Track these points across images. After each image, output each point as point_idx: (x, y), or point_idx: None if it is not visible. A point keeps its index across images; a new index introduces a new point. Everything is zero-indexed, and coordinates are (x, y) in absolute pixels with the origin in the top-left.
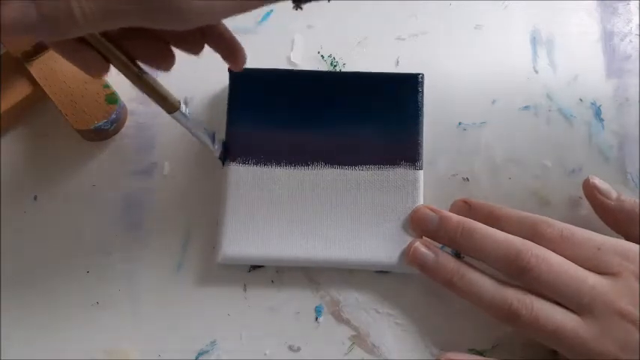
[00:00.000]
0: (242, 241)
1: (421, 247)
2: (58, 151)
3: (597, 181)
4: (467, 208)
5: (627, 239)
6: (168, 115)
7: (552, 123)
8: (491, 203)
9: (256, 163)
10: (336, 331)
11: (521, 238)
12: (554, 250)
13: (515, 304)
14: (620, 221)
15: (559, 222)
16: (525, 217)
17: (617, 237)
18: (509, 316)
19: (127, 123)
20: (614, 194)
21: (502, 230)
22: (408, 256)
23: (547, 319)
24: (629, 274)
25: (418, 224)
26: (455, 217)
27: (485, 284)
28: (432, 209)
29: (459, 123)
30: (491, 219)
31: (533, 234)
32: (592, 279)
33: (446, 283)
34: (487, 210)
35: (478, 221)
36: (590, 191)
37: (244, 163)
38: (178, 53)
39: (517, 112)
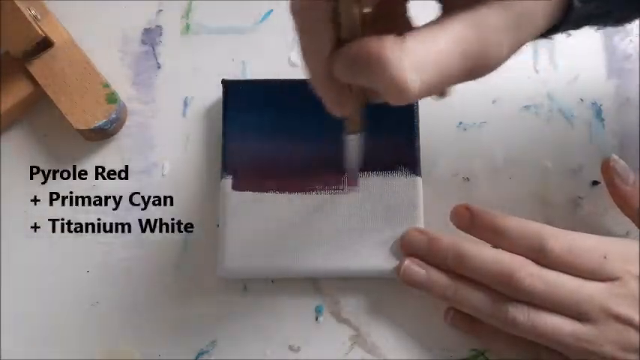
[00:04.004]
0: (242, 254)
1: (411, 265)
2: (58, 151)
3: (617, 165)
4: (468, 215)
5: (637, 224)
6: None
7: (553, 123)
8: (493, 212)
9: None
10: (336, 331)
11: (513, 256)
12: (561, 264)
13: (512, 312)
14: (632, 207)
15: (565, 233)
16: (530, 230)
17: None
18: (507, 324)
19: (127, 123)
20: (631, 179)
21: (505, 244)
22: (399, 274)
23: (545, 325)
24: (629, 278)
25: (408, 248)
26: (444, 240)
27: (479, 296)
28: (421, 232)
29: (459, 123)
30: (493, 231)
31: (540, 249)
32: (590, 288)
33: (440, 297)
34: (488, 220)
35: (478, 230)
36: (608, 172)
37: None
38: (174, 58)
39: (517, 112)
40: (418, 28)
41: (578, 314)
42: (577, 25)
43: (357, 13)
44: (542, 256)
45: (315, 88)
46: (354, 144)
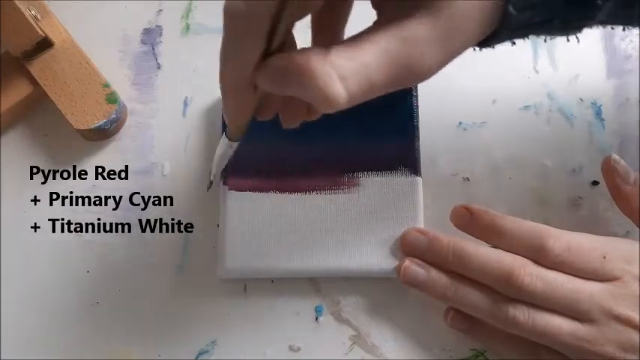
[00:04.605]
0: (242, 254)
1: (411, 265)
2: (58, 151)
3: (618, 166)
4: (468, 216)
5: (638, 224)
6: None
7: (552, 123)
8: (492, 212)
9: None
10: (336, 331)
11: (513, 256)
12: (561, 264)
13: (512, 312)
14: (633, 206)
15: (565, 233)
16: (530, 230)
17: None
18: (507, 324)
19: (127, 123)
20: (632, 178)
21: (505, 244)
22: (399, 274)
23: (545, 325)
24: (630, 278)
25: (408, 248)
26: (444, 240)
27: (479, 296)
28: (421, 231)
29: (459, 123)
30: (493, 231)
31: (540, 248)
32: (590, 288)
33: (440, 297)
34: (488, 220)
35: (478, 230)
36: (609, 172)
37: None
38: (174, 58)
39: (517, 111)
40: (345, 40)
41: (578, 314)
42: (518, 34)
43: (292, 24)
44: (542, 256)
45: (224, 95)
46: (230, 150)
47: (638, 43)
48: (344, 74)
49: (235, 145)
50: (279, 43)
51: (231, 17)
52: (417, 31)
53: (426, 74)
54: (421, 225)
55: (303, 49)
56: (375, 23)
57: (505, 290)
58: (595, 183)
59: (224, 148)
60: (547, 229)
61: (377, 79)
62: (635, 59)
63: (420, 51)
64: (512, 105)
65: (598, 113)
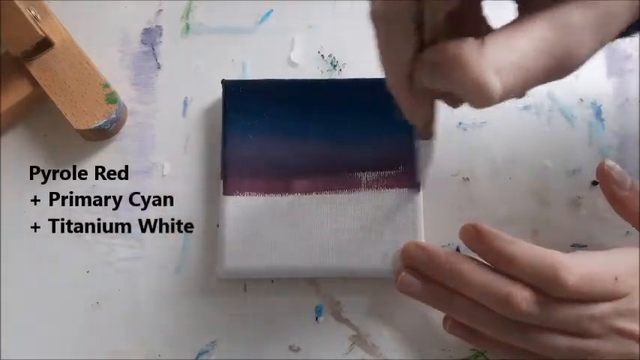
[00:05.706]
0: (242, 254)
1: (408, 276)
2: (58, 151)
3: (613, 171)
4: (475, 236)
5: (638, 228)
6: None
7: (553, 123)
8: (501, 235)
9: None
10: (336, 331)
11: (508, 280)
12: (574, 294)
13: (509, 332)
14: (632, 211)
15: (575, 260)
16: (540, 259)
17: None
18: (505, 338)
19: (127, 123)
20: (628, 183)
21: (513, 272)
22: (395, 284)
23: (543, 343)
24: (636, 294)
25: (406, 261)
26: (443, 257)
27: (476, 312)
28: (419, 246)
29: (459, 123)
30: (503, 258)
31: (552, 281)
32: (594, 310)
33: (436, 308)
34: (495, 245)
35: (484, 253)
36: (604, 178)
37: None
38: (174, 58)
39: (517, 112)
40: (498, 30)
41: (578, 333)
42: None
43: (441, 14)
44: (554, 289)
45: (395, 96)
46: (426, 149)
47: (638, 43)
48: (499, 66)
49: (431, 143)
50: (434, 35)
51: (375, 20)
52: (573, 16)
53: (579, 64)
54: (421, 225)
55: (456, 40)
56: (523, 12)
57: (502, 312)
58: (595, 183)
59: (420, 148)
60: (558, 259)
61: (533, 70)
62: (635, 59)
63: (576, 38)
64: (512, 105)
65: (598, 113)
